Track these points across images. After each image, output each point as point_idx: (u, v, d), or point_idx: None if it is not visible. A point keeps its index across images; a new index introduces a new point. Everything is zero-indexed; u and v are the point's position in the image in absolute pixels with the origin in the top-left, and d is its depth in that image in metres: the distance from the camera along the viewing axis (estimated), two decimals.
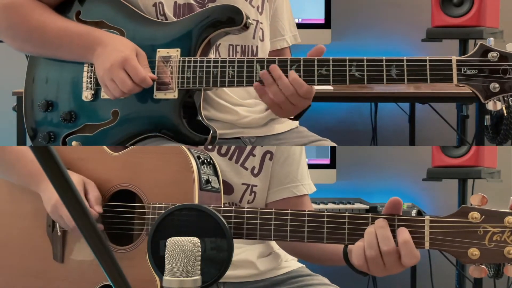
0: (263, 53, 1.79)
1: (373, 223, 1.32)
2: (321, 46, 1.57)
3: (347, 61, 1.51)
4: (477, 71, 1.45)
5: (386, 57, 1.51)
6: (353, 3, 3.82)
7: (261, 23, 1.78)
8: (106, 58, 1.58)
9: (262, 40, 1.79)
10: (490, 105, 1.46)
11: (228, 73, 1.57)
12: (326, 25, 3.53)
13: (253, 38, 1.75)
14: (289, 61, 1.55)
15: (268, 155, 1.69)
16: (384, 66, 1.50)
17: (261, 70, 1.55)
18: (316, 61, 1.53)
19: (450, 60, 1.47)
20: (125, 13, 1.66)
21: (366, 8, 3.82)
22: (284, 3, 1.87)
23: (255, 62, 1.56)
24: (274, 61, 1.55)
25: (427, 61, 1.48)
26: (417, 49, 3.71)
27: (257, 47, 1.76)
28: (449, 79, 1.47)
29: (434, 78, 1.48)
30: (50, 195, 1.52)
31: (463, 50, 3.45)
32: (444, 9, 3.38)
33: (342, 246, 1.41)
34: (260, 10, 1.78)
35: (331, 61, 1.52)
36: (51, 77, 1.71)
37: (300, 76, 1.54)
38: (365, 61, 1.51)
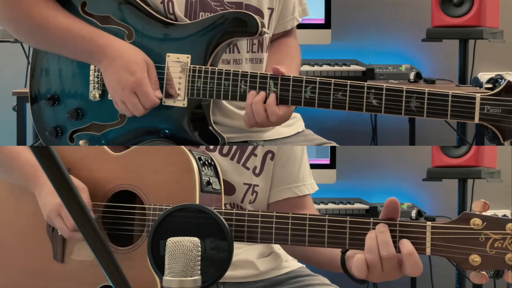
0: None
1: (374, 228, 1.31)
2: (278, 69, 1.52)
3: (365, 87, 1.45)
4: (500, 110, 1.38)
5: (407, 87, 1.44)
6: (353, 3, 3.81)
7: (274, 10, 1.73)
8: (117, 77, 1.56)
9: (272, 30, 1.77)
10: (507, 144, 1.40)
11: (240, 87, 1.53)
12: (326, 25, 3.53)
13: (268, 28, 1.71)
14: (304, 82, 1.50)
15: (270, 155, 1.68)
16: (404, 97, 1.44)
17: (274, 87, 1.51)
18: (333, 84, 1.47)
19: (474, 98, 1.39)
20: (133, 9, 1.61)
21: (366, 8, 3.81)
22: None
23: (268, 78, 1.52)
24: (289, 79, 1.51)
25: (450, 96, 1.42)
26: (417, 49, 3.72)
27: (267, 38, 1.74)
28: (470, 117, 1.40)
29: (455, 114, 1.41)
30: (44, 202, 1.51)
31: (463, 50, 3.45)
32: (444, 9, 3.39)
33: (339, 253, 1.39)
34: None
35: (348, 85, 1.46)
36: (58, 71, 1.67)
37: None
38: (384, 89, 1.45)
